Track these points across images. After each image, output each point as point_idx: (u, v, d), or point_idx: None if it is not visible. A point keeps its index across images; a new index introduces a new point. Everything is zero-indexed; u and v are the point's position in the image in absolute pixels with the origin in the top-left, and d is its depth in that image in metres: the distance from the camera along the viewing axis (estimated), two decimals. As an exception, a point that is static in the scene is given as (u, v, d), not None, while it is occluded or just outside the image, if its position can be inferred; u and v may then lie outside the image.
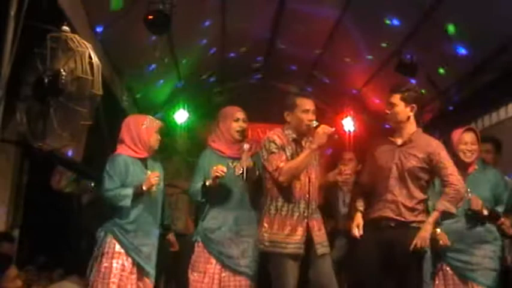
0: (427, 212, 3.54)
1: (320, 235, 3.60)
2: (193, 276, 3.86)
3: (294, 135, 3.67)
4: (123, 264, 3.71)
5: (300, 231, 3.52)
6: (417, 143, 3.50)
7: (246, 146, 3.78)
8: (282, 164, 3.51)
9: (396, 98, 3.52)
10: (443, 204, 3.43)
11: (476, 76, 5.12)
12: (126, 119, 4.05)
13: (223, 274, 3.80)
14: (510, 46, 4.48)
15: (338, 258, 4.75)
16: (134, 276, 3.76)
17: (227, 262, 3.82)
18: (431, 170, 3.50)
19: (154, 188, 3.81)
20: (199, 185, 3.89)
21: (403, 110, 3.52)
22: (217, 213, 3.89)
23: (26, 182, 4.78)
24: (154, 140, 3.94)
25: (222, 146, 3.97)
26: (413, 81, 5.79)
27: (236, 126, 3.95)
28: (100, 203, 3.91)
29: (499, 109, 5.12)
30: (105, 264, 3.70)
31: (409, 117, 3.53)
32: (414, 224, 3.43)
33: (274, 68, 7.20)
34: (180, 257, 4.69)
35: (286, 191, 3.56)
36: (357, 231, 3.59)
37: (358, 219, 3.64)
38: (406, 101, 3.51)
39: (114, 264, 3.69)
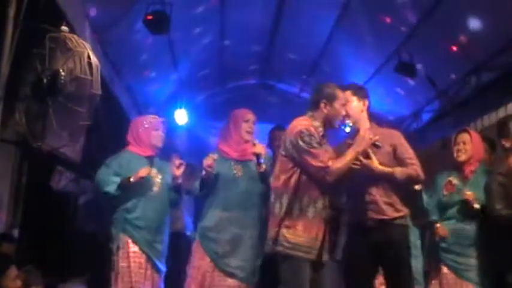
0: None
1: (328, 240, 3.37)
2: (189, 271, 3.90)
3: (322, 130, 3.36)
4: (139, 262, 3.77)
5: (320, 236, 3.26)
6: (379, 138, 3.33)
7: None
8: (330, 163, 3.22)
9: (349, 94, 3.43)
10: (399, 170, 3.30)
11: (476, 76, 5.13)
12: (131, 123, 4.14)
13: (214, 273, 3.83)
14: (510, 46, 4.49)
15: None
16: (149, 272, 3.82)
17: (219, 262, 3.83)
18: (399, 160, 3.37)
19: (156, 182, 3.87)
20: (199, 181, 3.92)
21: (357, 104, 3.44)
22: (216, 213, 3.90)
23: (26, 182, 4.77)
24: (154, 137, 3.98)
25: (227, 148, 4.00)
26: (412, 81, 5.82)
27: (246, 126, 3.98)
28: (97, 204, 3.93)
29: (499, 109, 5.12)
30: (122, 264, 3.75)
31: (362, 111, 3.45)
32: (397, 221, 3.32)
33: (274, 69, 7.21)
34: (180, 256, 4.70)
35: (313, 190, 3.25)
36: None
37: None
38: (358, 95, 3.45)
39: (132, 264, 3.75)
